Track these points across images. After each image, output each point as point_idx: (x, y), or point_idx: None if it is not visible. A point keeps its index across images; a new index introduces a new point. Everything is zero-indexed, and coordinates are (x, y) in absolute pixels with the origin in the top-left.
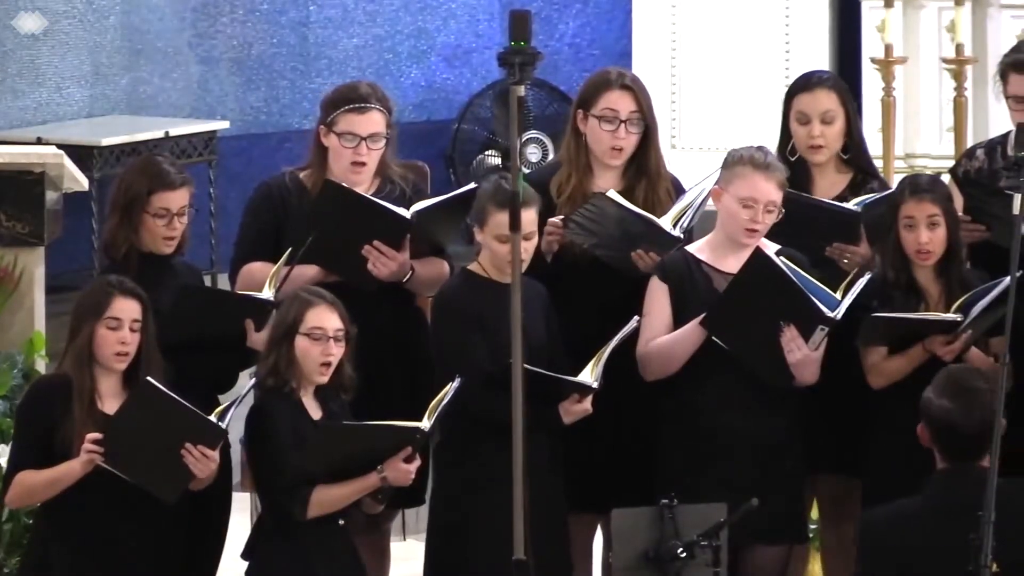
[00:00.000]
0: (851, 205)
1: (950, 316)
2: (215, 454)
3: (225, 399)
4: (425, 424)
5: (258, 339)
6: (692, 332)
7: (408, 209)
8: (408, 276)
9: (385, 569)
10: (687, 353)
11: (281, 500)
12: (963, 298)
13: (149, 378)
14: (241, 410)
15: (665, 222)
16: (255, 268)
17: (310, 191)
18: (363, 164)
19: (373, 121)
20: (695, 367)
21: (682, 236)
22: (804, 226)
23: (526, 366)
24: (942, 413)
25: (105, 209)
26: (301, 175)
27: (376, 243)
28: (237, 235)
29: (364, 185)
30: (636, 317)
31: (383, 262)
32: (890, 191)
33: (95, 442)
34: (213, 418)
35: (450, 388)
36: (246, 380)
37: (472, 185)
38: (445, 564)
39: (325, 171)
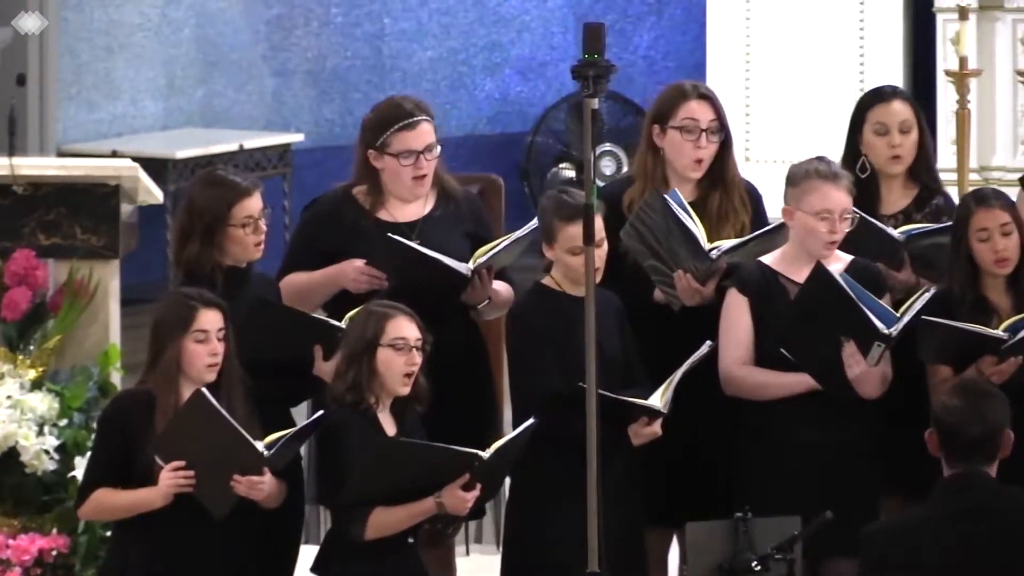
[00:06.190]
0: (895, 232)
1: (999, 333)
2: (261, 479)
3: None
4: (485, 453)
5: (325, 368)
6: (800, 384)
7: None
8: (485, 303)
9: None
10: (788, 394)
11: (340, 518)
12: (1013, 319)
13: (202, 389)
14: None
15: (703, 239)
16: (293, 278)
17: (368, 211)
18: (424, 176)
19: (425, 132)
20: None
21: (715, 260)
22: (851, 243)
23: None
24: (949, 412)
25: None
26: (354, 191)
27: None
28: (289, 249)
29: (424, 197)
30: (708, 342)
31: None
32: (938, 225)
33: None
34: (261, 445)
35: (522, 429)
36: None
37: (531, 225)
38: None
39: (381, 191)
